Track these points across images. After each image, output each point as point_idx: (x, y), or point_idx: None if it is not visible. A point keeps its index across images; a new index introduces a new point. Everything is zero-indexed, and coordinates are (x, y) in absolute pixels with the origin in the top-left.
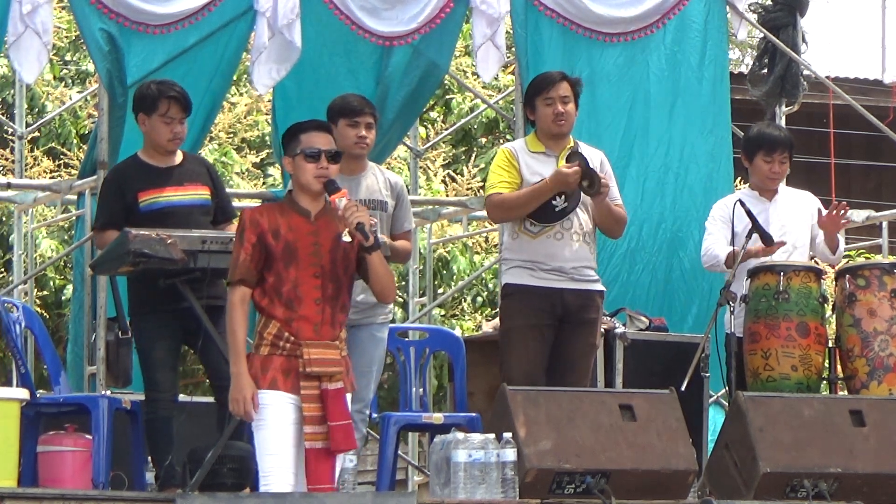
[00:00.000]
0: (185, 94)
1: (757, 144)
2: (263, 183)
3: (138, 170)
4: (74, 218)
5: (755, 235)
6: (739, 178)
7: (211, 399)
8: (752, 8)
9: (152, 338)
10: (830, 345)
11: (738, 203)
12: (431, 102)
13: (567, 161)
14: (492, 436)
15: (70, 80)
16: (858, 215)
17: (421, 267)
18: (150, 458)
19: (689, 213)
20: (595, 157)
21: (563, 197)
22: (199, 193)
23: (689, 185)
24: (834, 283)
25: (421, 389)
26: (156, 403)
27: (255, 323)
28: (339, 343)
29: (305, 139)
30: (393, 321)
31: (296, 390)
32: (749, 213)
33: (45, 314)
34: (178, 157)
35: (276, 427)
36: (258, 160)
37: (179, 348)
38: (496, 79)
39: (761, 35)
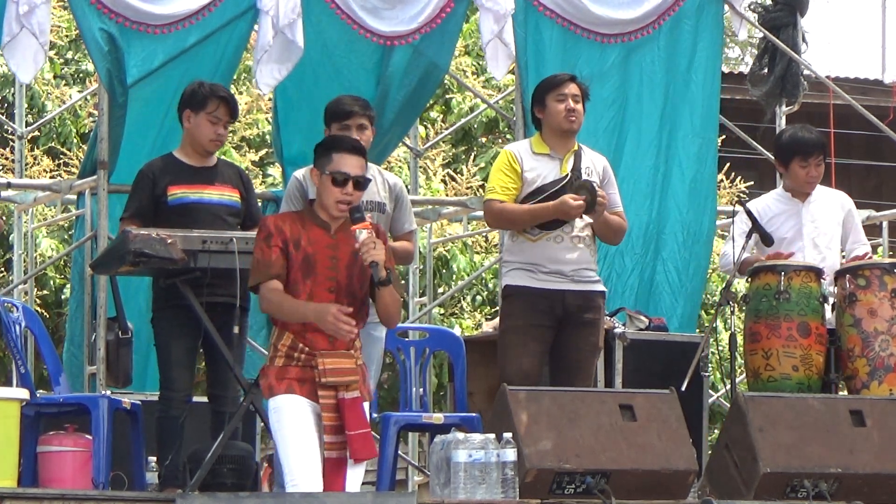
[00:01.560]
0: (234, 99)
1: (792, 151)
2: (263, 182)
3: (172, 166)
4: (74, 218)
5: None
6: (740, 178)
7: None
8: (752, 8)
9: (171, 335)
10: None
11: (738, 203)
12: (431, 102)
13: (576, 191)
14: (492, 436)
15: (70, 80)
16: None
17: (421, 266)
18: (156, 456)
19: (671, 214)
20: (598, 163)
21: None
22: (228, 194)
23: (673, 186)
24: (834, 282)
25: (421, 389)
26: (169, 402)
27: (269, 335)
28: (355, 352)
29: (337, 159)
30: None
31: (313, 397)
32: (749, 213)
33: (45, 314)
34: (213, 160)
35: (298, 426)
36: (258, 158)
37: (197, 347)
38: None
39: (762, 34)
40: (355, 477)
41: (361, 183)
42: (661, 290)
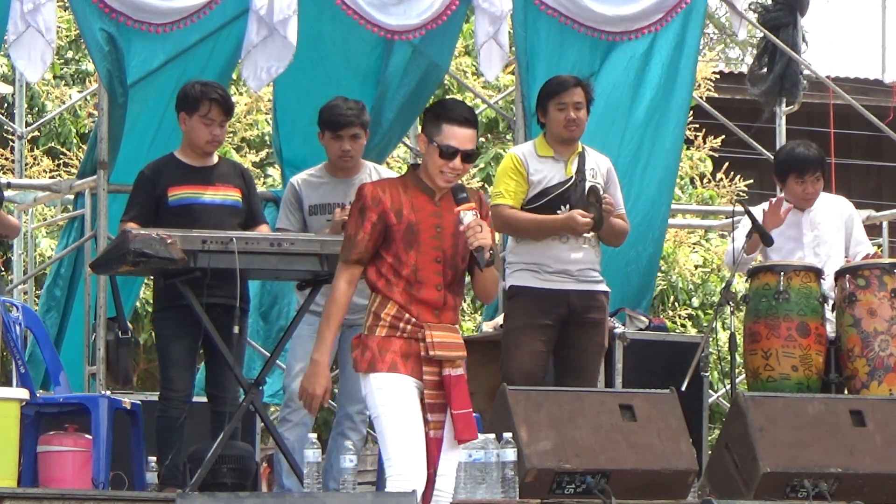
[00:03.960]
0: (228, 97)
1: (787, 167)
2: (263, 183)
3: (173, 167)
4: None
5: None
6: (739, 177)
7: None
8: (753, 7)
9: (171, 336)
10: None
11: (738, 203)
12: (431, 102)
13: (584, 207)
14: (492, 436)
15: (70, 80)
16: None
17: None
18: (156, 456)
19: (646, 209)
20: (602, 165)
21: (567, 206)
22: (229, 195)
23: (647, 184)
24: (834, 282)
25: None
26: (168, 402)
27: (369, 300)
28: (459, 328)
29: (447, 131)
30: None
31: (416, 374)
32: (748, 213)
33: None
34: (214, 160)
35: (404, 412)
36: (258, 159)
37: (197, 348)
38: (496, 78)
39: (762, 34)
40: (452, 461)
41: (471, 156)
42: (631, 279)
